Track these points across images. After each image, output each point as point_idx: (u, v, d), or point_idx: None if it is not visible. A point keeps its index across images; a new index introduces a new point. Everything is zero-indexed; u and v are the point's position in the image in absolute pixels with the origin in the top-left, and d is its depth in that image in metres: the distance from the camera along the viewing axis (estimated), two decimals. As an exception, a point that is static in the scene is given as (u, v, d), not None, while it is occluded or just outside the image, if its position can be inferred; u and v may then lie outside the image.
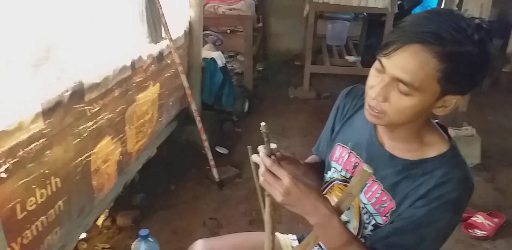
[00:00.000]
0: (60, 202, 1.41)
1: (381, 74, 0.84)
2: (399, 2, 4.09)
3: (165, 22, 2.03)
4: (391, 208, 0.93)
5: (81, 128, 1.48)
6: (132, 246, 1.54)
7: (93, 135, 1.57)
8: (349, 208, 1.03)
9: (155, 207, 2.29)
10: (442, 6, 3.81)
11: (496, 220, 2.19)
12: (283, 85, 4.06)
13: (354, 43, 4.54)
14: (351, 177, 1.03)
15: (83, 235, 1.94)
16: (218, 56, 3.04)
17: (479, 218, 2.18)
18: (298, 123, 3.27)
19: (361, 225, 1.01)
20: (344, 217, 1.07)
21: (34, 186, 1.26)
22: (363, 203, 1.00)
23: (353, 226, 1.04)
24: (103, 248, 1.97)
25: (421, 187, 0.88)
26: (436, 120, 0.98)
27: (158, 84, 2.17)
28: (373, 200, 0.97)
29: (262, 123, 0.82)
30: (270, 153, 0.83)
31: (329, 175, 1.11)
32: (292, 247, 1.24)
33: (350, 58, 3.94)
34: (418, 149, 0.92)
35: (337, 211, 0.85)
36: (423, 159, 0.91)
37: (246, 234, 1.33)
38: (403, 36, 0.79)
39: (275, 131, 3.09)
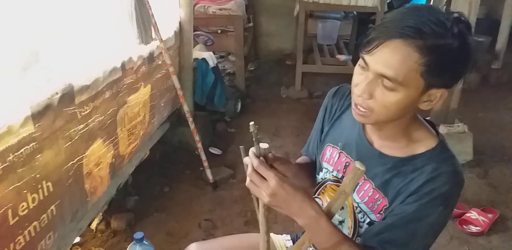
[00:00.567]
0: (52, 207, 1.39)
1: (365, 72, 0.85)
2: (388, 1, 4.12)
3: (155, 22, 2.02)
4: (384, 206, 0.93)
5: (72, 131, 1.47)
6: (127, 250, 1.52)
7: (85, 137, 1.56)
8: (343, 208, 1.04)
9: (150, 209, 2.27)
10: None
11: (490, 215, 2.21)
12: (275, 85, 4.06)
13: (345, 42, 4.55)
14: (343, 177, 1.02)
15: (77, 239, 1.92)
16: (209, 57, 3.04)
17: (473, 214, 2.19)
18: (290, 122, 3.27)
19: (356, 224, 1.01)
20: (338, 217, 1.07)
21: (25, 191, 1.25)
22: (356, 202, 1.00)
23: (348, 225, 1.04)
24: (97, 252, 1.96)
25: (412, 183, 0.88)
26: (428, 117, 0.98)
27: (149, 85, 2.16)
28: (365, 199, 0.97)
29: (251, 123, 0.81)
30: (259, 153, 0.82)
31: (321, 175, 1.11)
32: (287, 247, 1.23)
33: (341, 57, 3.95)
34: (407, 146, 0.92)
35: (330, 210, 0.84)
36: (412, 155, 0.91)
37: (239, 236, 1.32)
38: (384, 32, 0.80)
39: (268, 131, 3.09)
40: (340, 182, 0.98)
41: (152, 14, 1.99)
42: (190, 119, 2.38)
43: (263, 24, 4.77)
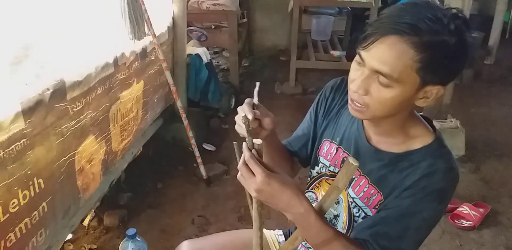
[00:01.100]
0: (44, 203, 1.38)
1: (361, 67, 0.84)
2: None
3: (148, 18, 2.00)
4: (379, 201, 0.94)
5: (63, 127, 1.45)
6: (120, 246, 1.52)
7: (77, 134, 1.54)
8: (338, 202, 1.04)
9: (143, 206, 2.27)
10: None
11: (481, 210, 2.22)
12: (269, 80, 4.05)
13: (339, 38, 4.55)
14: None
15: (69, 236, 1.92)
16: (203, 52, 3.02)
17: (464, 209, 2.21)
18: (284, 118, 3.26)
19: (351, 218, 1.01)
20: (333, 211, 1.07)
21: (16, 187, 1.24)
22: (352, 197, 1.00)
23: (343, 220, 1.05)
24: (90, 248, 1.95)
25: (407, 178, 0.88)
26: (421, 113, 0.98)
27: (142, 81, 2.15)
28: (361, 194, 0.98)
29: (243, 115, 0.81)
30: (252, 146, 0.82)
31: (316, 170, 1.11)
32: (279, 242, 1.24)
33: (335, 53, 3.95)
34: (404, 142, 0.93)
35: (323, 205, 0.84)
36: (408, 151, 0.91)
37: (232, 233, 1.32)
38: (380, 28, 0.79)
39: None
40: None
41: (145, 9, 1.97)
42: (183, 116, 2.37)
43: (257, 20, 4.75)
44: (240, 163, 0.81)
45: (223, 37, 3.53)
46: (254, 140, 0.82)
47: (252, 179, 0.79)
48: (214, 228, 2.13)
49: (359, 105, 0.86)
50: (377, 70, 0.80)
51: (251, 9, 4.61)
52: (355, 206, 0.99)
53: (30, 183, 1.30)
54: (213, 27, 3.56)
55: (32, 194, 1.31)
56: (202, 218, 2.20)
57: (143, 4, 1.95)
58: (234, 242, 1.20)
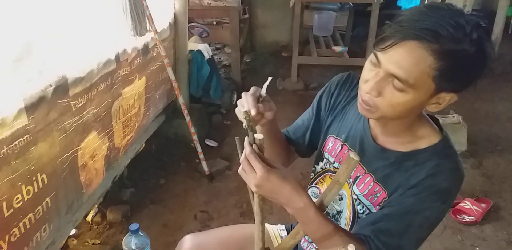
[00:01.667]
0: (47, 199, 1.40)
1: (376, 68, 0.83)
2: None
3: (149, 14, 2.00)
4: (384, 198, 0.94)
5: (66, 123, 1.46)
6: (123, 241, 1.53)
7: (79, 130, 1.55)
8: (341, 198, 1.04)
9: (145, 201, 2.28)
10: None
11: (483, 205, 2.23)
12: (271, 76, 4.03)
13: (341, 34, 4.53)
14: None
15: (73, 231, 1.93)
16: (205, 48, 3.02)
17: (466, 204, 2.21)
18: (286, 114, 3.26)
19: (355, 215, 1.02)
20: (336, 207, 1.07)
21: (20, 183, 1.25)
22: (356, 195, 1.00)
23: (346, 216, 1.05)
24: (93, 243, 1.96)
25: (413, 177, 0.88)
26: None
27: (144, 77, 2.15)
28: (365, 191, 0.98)
29: (243, 110, 0.81)
30: (253, 141, 0.82)
31: (320, 165, 1.12)
32: (281, 237, 1.24)
33: (337, 49, 3.93)
34: (410, 141, 0.93)
35: (324, 200, 0.85)
36: (414, 150, 0.91)
37: (234, 227, 1.33)
38: (400, 31, 0.77)
39: (264, 123, 3.08)
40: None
41: (147, 5, 1.97)
42: (185, 112, 2.38)
43: (259, 16, 4.74)
44: (242, 157, 0.82)
45: (225, 33, 3.52)
46: (256, 135, 0.83)
47: (252, 174, 0.79)
48: (216, 223, 2.14)
49: (369, 106, 0.85)
50: (393, 74, 0.79)
51: (252, 5, 4.60)
52: (359, 203, 1.00)
53: (34, 178, 1.31)
54: (214, 23, 3.55)
55: (36, 189, 1.32)
56: (204, 214, 2.21)
57: (145, 0, 1.95)
58: (236, 236, 1.21)
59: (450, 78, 0.78)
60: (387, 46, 0.78)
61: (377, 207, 0.96)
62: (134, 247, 1.46)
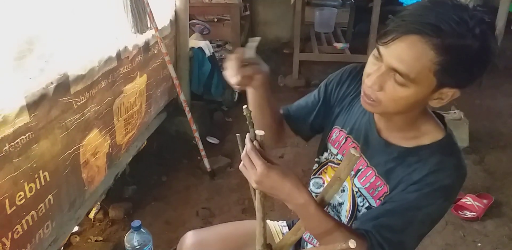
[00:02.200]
0: (50, 196, 1.40)
1: (379, 63, 0.83)
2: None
3: (150, 11, 2.00)
4: (385, 192, 0.94)
5: (68, 120, 1.47)
6: (125, 238, 1.54)
7: (81, 127, 1.56)
8: (343, 190, 1.05)
9: (147, 198, 2.28)
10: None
11: (485, 201, 2.23)
12: (272, 73, 4.03)
13: (342, 30, 4.53)
14: None
15: (76, 228, 1.94)
16: (206, 46, 3.02)
17: (468, 200, 2.21)
18: (288, 111, 3.27)
19: (355, 207, 1.02)
20: (338, 198, 1.08)
21: (22, 180, 1.25)
22: (357, 187, 1.00)
23: (346, 208, 1.06)
24: (96, 241, 1.97)
25: (415, 173, 0.88)
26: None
27: (145, 75, 2.15)
28: (367, 184, 0.98)
29: (244, 106, 0.82)
30: (254, 137, 0.83)
31: (324, 156, 1.12)
32: (283, 233, 1.25)
33: (339, 45, 3.93)
34: (414, 137, 0.93)
35: (325, 196, 0.85)
36: (418, 146, 0.91)
37: (235, 223, 1.34)
38: (402, 25, 0.77)
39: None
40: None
41: (147, 2, 1.97)
42: (187, 109, 2.38)
43: (260, 13, 4.73)
44: (243, 154, 0.82)
45: (226, 30, 3.52)
46: (257, 131, 0.83)
47: (253, 170, 0.80)
48: (218, 220, 2.15)
49: (372, 100, 0.85)
50: (395, 68, 0.79)
51: (253, 1, 4.59)
52: (360, 196, 1.00)
53: (36, 176, 1.32)
54: (215, 20, 3.56)
55: (38, 186, 1.33)
56: (206, 210, 2.22)
57: (145, -3, 1.95)
58: (237, 233, 1.21)
59: (452, 73, 0.78)
60: (389, 40, 0.78)
61: (378, 201, 0.96)
62: (136, 244, 1.47)
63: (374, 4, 3.56)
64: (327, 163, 1.11)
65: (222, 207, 2.26)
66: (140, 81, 2.09)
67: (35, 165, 1.30)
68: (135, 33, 1.93)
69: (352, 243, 0.67)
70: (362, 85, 0.88)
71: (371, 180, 0.97)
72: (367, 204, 0.99)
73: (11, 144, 1.19)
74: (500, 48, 4.13)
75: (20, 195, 1.25)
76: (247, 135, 0.83)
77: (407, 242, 0.90)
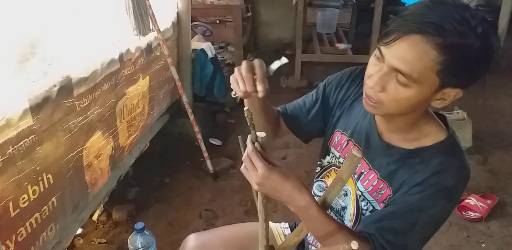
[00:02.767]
0: (53, 198, 1.41)
1: (380, 63, 0.83)
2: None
3: (152, 13, 2.01)
4: (388, 195, 0.94)
5: (71, 123, 1.47)
6: (128, 240, 1.54)
7: (84, 130, 1.56)
8: (346, 194, 1.04)
9: (150, 200, 2.29)
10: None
11: (489, 201, 2.22)
12: (275, 74, 3.92)
13: (344, 31, 4.52)
14: None
15: (79, 231, 1.94)
16: (208, 47, 3.02)
17: (472, 200, 2.20)
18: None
19: (359, 211, 1.02)
20: (341, 203, 1.07)
21: (26, 183, 1.26)
22: (360, 191, 1.00)
23: (350, 212, 1.05)
24: (99, 243, 1.98)
25: (417, 174, 0.88)
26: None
27: (147, 77, 2.16)
28: (370, 188, 0.97)
29: (245, 108, 0.81)
30: (256, 139, 0.83)
31: (327, 159, 1.12)
32: (285, 235, 1.25)
33: (341, 46, 3.92)
34: (416, 139, 0.92)
35: (327, 197, 0.85)
36: (420, 148, 0.91)
37: (237, 226, 1.33)
38: (404, 25, 0.77)
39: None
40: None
41: (149, 5, 1.98)
42: (189, 111, 2.38)
43: (262, 14, 4.74)
44: (244, 155, 0.82)
45: (228, 31, 3.53)
46: (258, 133, 0.83)
47: (254, 172, 0.80)
48: (221, 221, 2.15)
49: (374, 101, 0.85)
50: (397, 68, 0.79)
51: (255, 3, 4.59)
52: (363, 199, 1.00)
53: (39, 178, 1.32)
54: (217, 21, 3.56)
55: (42, 189, 1.33)
56: (209, 212, 2.22)
57: (147, -1, 1.96)
58: (240, 235, 1.21)
59: (454, 73, 0.78)
60: (391, 40, 0.78)
61: (381, 204, 0.95)
62: (139, 246, 1.47)
63: (376, 5, 3.56)
64: (330, 167, 1.11)
65: (225, 209, 2.26)
66: (142, 83, 2.10)
67: (38, 168, 1.31)
68: (137, 35, 1.94)
69: (354, 245, 0.67)
70: (364, 87, 0.87)
71: (374, 183, 0.96)
72: (371, 208, 0.98)
73: (15, 146, 1.20)
74: (503, 48, 4.13)
75: (24, 198, 1.25)
76: (249, 136, 0.83)
77: (410, 245, 0.89)
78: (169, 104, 2.60)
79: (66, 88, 1.43)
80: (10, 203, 1.19)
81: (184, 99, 2.37)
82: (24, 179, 1.24)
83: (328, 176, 1.12)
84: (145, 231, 1.48)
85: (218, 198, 2.34)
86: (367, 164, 0.98)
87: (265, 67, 0.91)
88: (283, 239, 1.22)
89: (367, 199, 0.99)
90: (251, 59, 0.94)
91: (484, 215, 2.15)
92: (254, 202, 0.93)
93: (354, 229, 0.99)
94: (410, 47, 0.76)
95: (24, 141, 1.23)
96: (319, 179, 1.15)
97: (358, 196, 1.01)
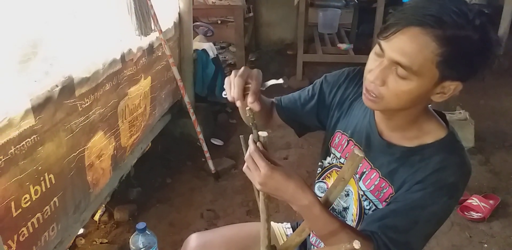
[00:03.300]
0: (55, 198, 1.41)
1: (380, 58, 0.83)
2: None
3: (154, 13, 2.01)
4: (390, 194, 0.94)
5: (72, 123, 1.47)
6: (130, 240, 1.54)
7: (86, 130, 1.56)
8: (347, 194, 1.04)
9: (152, 200, 2.29)
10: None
11: (491, 201, 2.21)
12: (276, 75, 4.01)
13: (346, 31, 4.52)
14: None
15: (81, 231, 1.94)
16: (210, 47, 3.02)
17: (474, 201, 2.20)
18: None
19: (362, 211, 1.02)
20: (343, 203, 1.07)
21: (28, 183, 1.26)
22: (362, 191, 1.00)
23: (352, 212, 1.05)
24: (101, 243, 1.98)
25: (419, 172, 0.88)
26: (429, 105, 0.97)
27: (149, 77, 2.16)
28: (372, 187, 0.97)
29: (247, 108, 0.81)
30: (258, 139, 0.83)
31: (328, 160, 1.12)
32: (287, 235, 1.24)
33: (342, 46, 3.92)
34: (416, 136, 0.92)
35: (329, 197, 0.85)
36: (420, 145, 0.91)
37: (239, 226, 1.33)
38: (403, 18, 0.78)
39: (269, 121, 3.08)
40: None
41: (151, 5, 1.98)
42: (191, 111, 2.38)
43: (263, 14, 4.74)
44: (246, 155, 0.82)
45: (230, 32, 3.53)
46: (260, 133, 0.83)
47: (256, 172, 0.80)
48: (222, 222, 2.15)
49: (374, 95, 0.85)
50: (397, 61, 0.79)
51: (257, 3, 4.60)
52: (366, 199, 1.00)
53: (41, 178, 1.32)
54: (219, 22, 3.56)
55: (44, 189, 1.33)
56: (210, 212, 2.22)
57: (149, 0, 1.96)
58: (241, 235, 1.21)
59: (453, 65, 0.78)
60: (390, 33, 0.79)
61: (384, 203, 0.95)
62: (141, 246, 1.47)
63: (378, 5, 3.56)
64: (331, 168, 1.11)
65: (227, 209, 2.26)
66: (144, 84, 2.10)
67: (40, 168, 1.31)
68: (139, 35, 1.94)
69: (356, 244, 0.67)
70: (364, 82, 0.88)
71: (376, 182, 0.97)
72: (373, 207, 0.98)
73: (17, 146, 1.20)
74: (505, 47, 4.13)
75: (26, 198, 1.25)
76: (250, 136, 0.83)
77: (413, 242, 0.89)
78: (171, 104, 2.60)
79: (68, 88, 1.43)
80: (12, 203, 1.19)
81: (186, 99, 2.37)
82: (26, 179, 1.24)
83: (329, 177, 1.12)
84: (147, 231, 1.48)
85: (220, 198, 2.34)
86: (369, 163, 0.98)
87: (261, 80, 0.90)
88: (285, 239, 1.22)
89: (369, 198, 0.99)
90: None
91: (486, 215, 2.14)
92: (256, 202, 0.93)
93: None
94: (410, 39, 0.77)
95: (26, 141, 1.24)
96: (320, 180, 1.15)
97: (361, 196, 1.01)
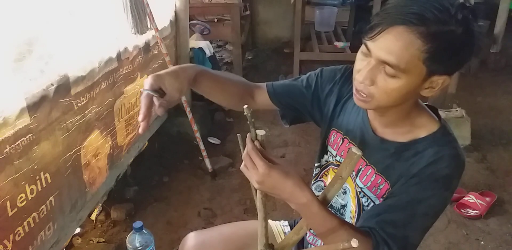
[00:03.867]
0: (51, 198, 1.40)
1: (367, 58, 0.84)
2: (386, -14, 4.06)
3: (150, 12, 2.00)
4: (387, 189, 0.94)
5: (68, 122, 1.46)
6: (127, 239, 1.54)
7: (82, 128, 1.56)
8: (345, 192, 1.04)
9: (149, 199, 2.28)
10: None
11: (487, 199, 2.22)
12: (273, 73, 4.04)
13: (343, 29, 4.51)
14: None
15: (77, 230, 1.94)
16: (206, 46, 3.02)
17: (471, 198, 2.21)
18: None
19: (360, 208, 1.02)
20: (341, 201, 1.07)
21: (23, 182, 1.25)
22: (360, 187, 1.00)
23: (351, 210, 1.05)
24: (98, 242, 1.97)
25: (413, 166, 0.89)
26: (426, 103, 0.98)
27: (145, 75, 2.15)
28: (368, 183, 0.98)
29: (245, 106, 0.81)
30: (255, 137, 0.82)
31: (325, 158, 1.12)
32: (285, 233, 1.24)
33: (339, 44, 3.92)
34: (409, 131, 0.93)
35: (327, 195, 0.85)
36: (414, 140, 0.92)
37: (237, 224, 1.33)
38: (387, 18, 0.79)
39: (266, 119, 3.08)
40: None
41: (147, 3, 1.97)
42: (188, 109, 2.38)
43: (260, 12, 4.73)
44: (244, 154, 0.82)
45: (226, 30, 3.52)
46: (257, 131, 0.82)
47: (254, 170, 0.80)
48: (220, 220, 2.14)
49: (364, 95, 0.86)
50: (384, 60, 0.80)
51: (253, 1, 4.59)
52: (364, 196, 1.00)
53: (37, 177, 1.32)
54: (215, 20, 3.55)
55: (39, 188, 1.33)
56: (208, 211, 2.21)
57: (145, -2, 1.95)
58: (239, 233, 1.21)
59: (440, 59, 0.79)
60: (376, 34, 0.80)
61: (381, 199, 0.96)
62: (138, 245, 1.47)
63: (374, 3, 3.55)
64: (328, 166, 1.11)
65: (224, 207, 2.25)
66: (140, 82, 2.09)
67: (36, 167, 1.30)
68: (135, 34, 1.93)
69: (354, 243, 0.66)
70: (354, 82, 0.89)
71: (372, 179, 0.97)
72: (372, 204, 0.99)
73: (12, 145, 1.19)
74: (502, 45, 4.13)
75: (21, 197, 1.24)
76: (248, 134, 0.83)
77: (411, 236, 0.90)
78: (168, 103, 2.59)
79: (64, 87, 1.42)
80: (8, 202, 1.19)
81: (182, 98, 2.37)
82: (21, 178, 1.24)
83: (326, 175, 1.12)
84: (144, 230, 1.47)
85: (217, 197, 2.34)
86: (364, 160, 0.99)
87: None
88: (283, 237, 1.22)
89: (367, 195, 0.99)
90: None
91: (482, 213, 2.15)
92: (253, 200, 0.93)
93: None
94: (395, 38, 0.78)
95: (22, 140, 1.23)
96: (317, 178, 1.15)
97: (358, 193, 1.01)
